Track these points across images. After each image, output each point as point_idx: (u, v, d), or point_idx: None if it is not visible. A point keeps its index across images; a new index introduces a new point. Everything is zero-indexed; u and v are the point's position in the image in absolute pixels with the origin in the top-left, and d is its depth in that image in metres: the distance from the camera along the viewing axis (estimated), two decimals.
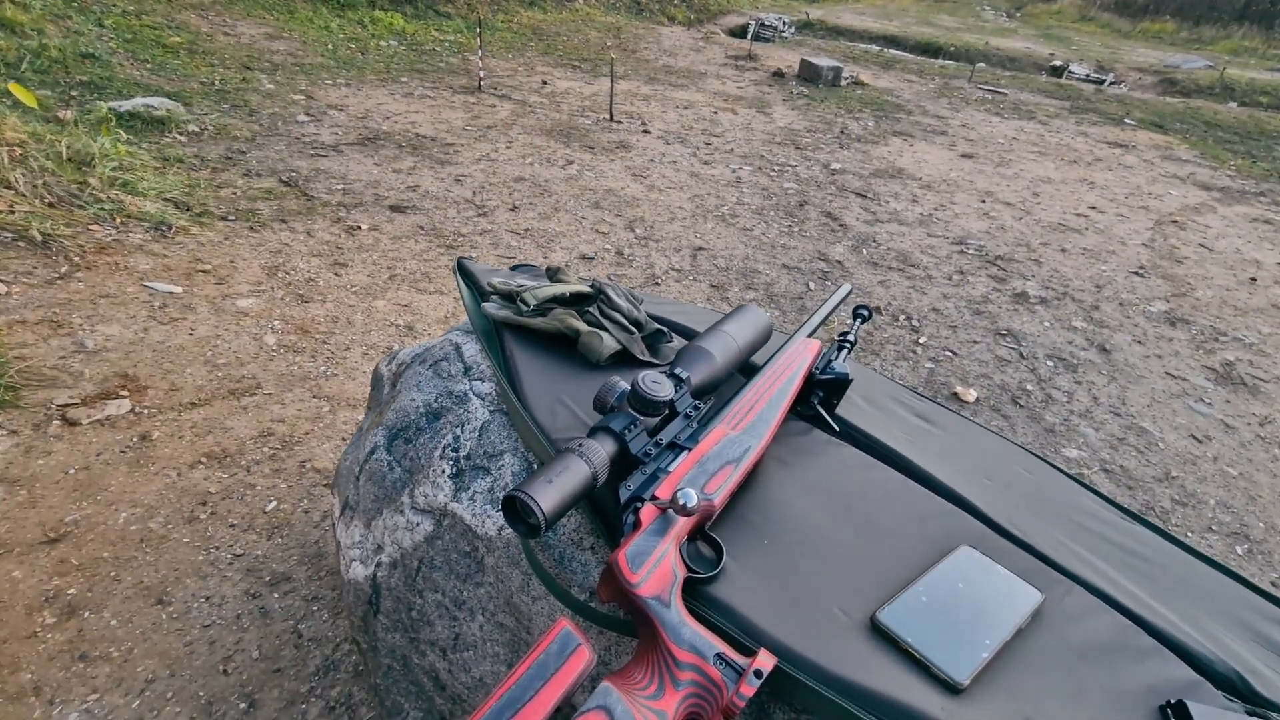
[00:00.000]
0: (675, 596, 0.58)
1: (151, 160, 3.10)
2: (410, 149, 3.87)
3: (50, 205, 2.50)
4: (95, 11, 4.72)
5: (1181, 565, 0.81)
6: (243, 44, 5.22)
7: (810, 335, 0.94)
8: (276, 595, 1.46)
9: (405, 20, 6.65)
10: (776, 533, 0.70)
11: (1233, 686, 0.64)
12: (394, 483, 0.90)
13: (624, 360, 0.95)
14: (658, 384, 0.71)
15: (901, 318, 2.88)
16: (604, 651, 0.70)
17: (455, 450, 0.87)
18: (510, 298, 1.00)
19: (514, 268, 1.29)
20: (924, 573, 0.66)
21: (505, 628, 0.79)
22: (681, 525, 0.63)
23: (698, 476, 0.68)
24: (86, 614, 1.36)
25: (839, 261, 3.30)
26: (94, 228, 2.50)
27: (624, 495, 0.67)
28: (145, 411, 1.82)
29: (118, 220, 2.58)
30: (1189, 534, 2.01)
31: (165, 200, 2.80)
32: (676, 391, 0.74)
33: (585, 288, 1.00)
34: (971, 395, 2.43)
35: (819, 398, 0.90)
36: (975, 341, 2.77)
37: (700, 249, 3.24)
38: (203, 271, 2.44)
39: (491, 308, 1.00)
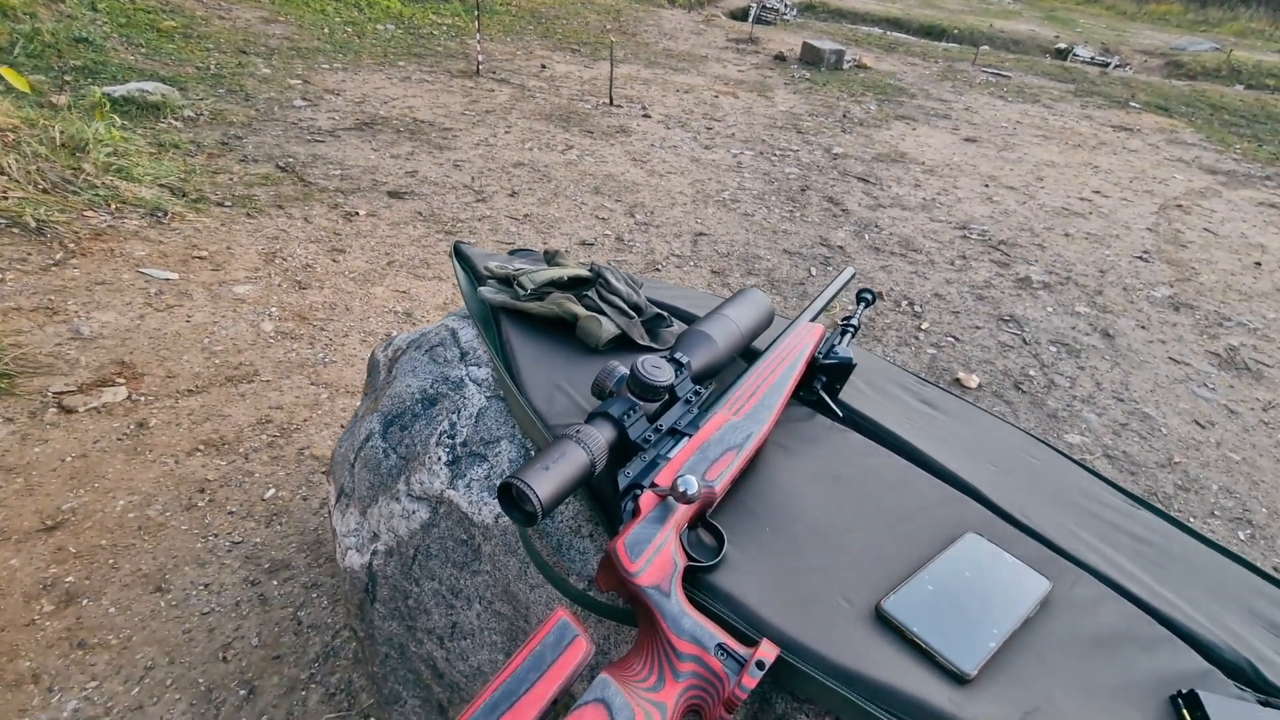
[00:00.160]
0: (675, 586, 0.57)
1: (146, 146, 3.07)
2: (408, 134, 3.83)
3: (44, 191, 2.47)
4: None
5: (1190, 552, 0.80)
6: (238, 28, 5.15)
7: (813, 319, 0.92)
8: (275, 582, 1.45)
9: (402, 3, 6.57)
10: (779, 520, 0.69)
11: (1244, 675, 0.63)
12: (389, 470, 0.88)
13: (623, 345, 0.94)
14: (657, 369, 0.69)
15: (904, 303, 2.86)
16: (602, 641, 0.69)
17: (451, 437, 0.85)
18: (507, 282, 0.98)
19: (512, 252, 1.27)
20: (930, 561, 0.65)
21: (503, 616, 0.78)
22: (682, 513, 0.62)
23: (698, 463, 0.67)
24: (85, 602, 1.35)
25: (841, 247, 3.27)
26: (89, 214, 2.48)
27: (623, 482, 0.65)
28: (142, 399, 1.81)
29: (113, 206, 2.55)
30: (1191, 519, 2.00)
31: (161, 186, 2.77)
32: (677, 376, 0.72)
33: (584, 271, 0.99)
34: (974, 381, 2.41)
35: (822, 383, 0.88)
36: (978, 327, 2.75)
37: (701, 234, 3.21)
38: (199, 258, 2.42)
39: (488, 292, 0.98)
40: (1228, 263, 3.63)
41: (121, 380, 1.85)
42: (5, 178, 2.42)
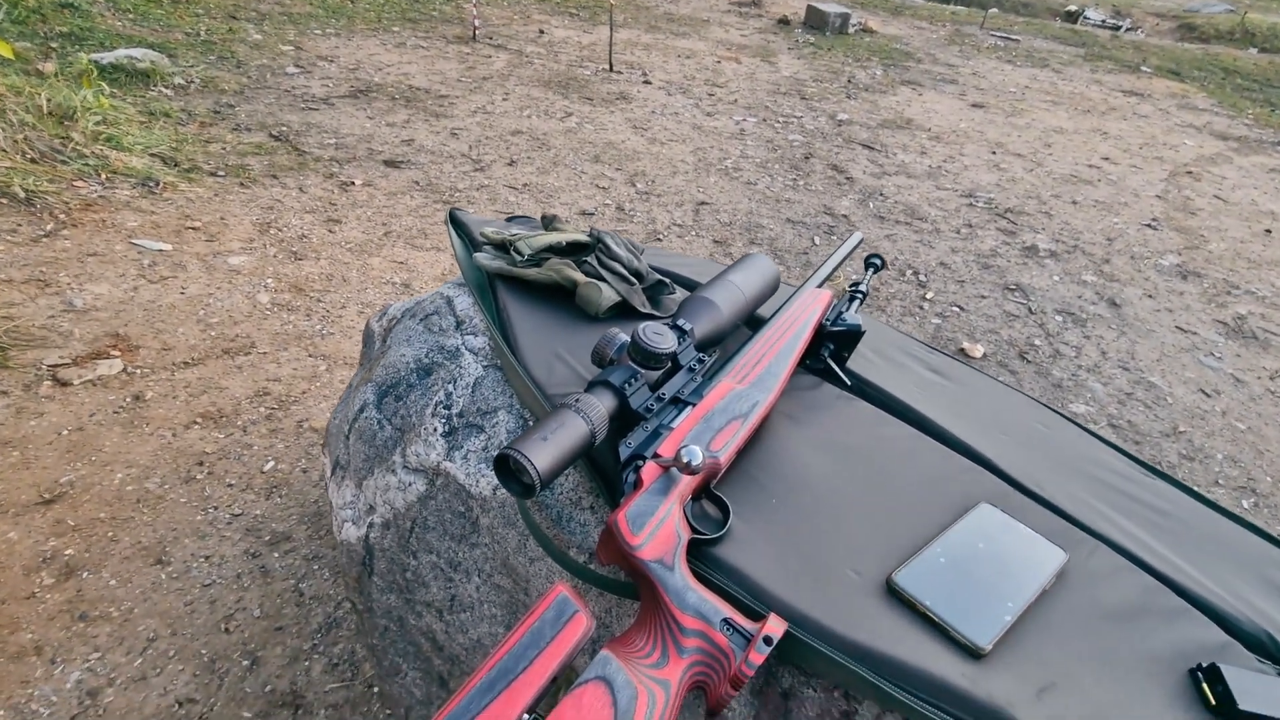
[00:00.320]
0: (679, 559, 0.55)
1: (136, 114, 3.00)
2: (404, 102, 3.75)
3: (32, 161, 2.42)
4: None
5: (1206, 521, 0.78)
6: None
7: (820, 285, 0.89)
8: (276, 554, 1.45)
9: None
10: (786, 491, 0.67)
11: (1262, 647, 0.61)
12: (385, 442, 0.86)
13: (624, 312, 0.91)
14: (659, 336, 0.66)
15: (908, 273, 2.82)
16: (604, 614, 0.68)
17: (447, 407, 0.83)
18: (504, 248, 0.95)
19: (510, 219, 1.23)
20: (942, 532, 0.63)
21: (502, 589, 0.76)
22: (685, 484, 0.60)
23: (702, 433, 0.65)
24: (85, 574, 1.35)
25: (845, 215, 3.22)
26: (78, 184, 2.43)
27: (624, 453, 0.63)
28: (138, 371, 1.79)
29: (103, 176, 2.50)
30: (1195, 488, 1.99)
31: (152, 156, 2.71)
32: (680, 344, 0.70)
33: (582, 236, 0.95)
34: (978, 351, 2.39)
35: (829, 350, 0.85)
36: (983, 296, 2.71)
37: (703, 203, 3.16)
38: (193, 229, 2.38)
39: (484, 258, 0.95)
40: (1237, 230, 3.57)
41: (116, 353, 1.82)
42: None
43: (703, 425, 0.65)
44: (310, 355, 1.95)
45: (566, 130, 3.72)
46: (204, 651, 1.27)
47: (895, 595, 0.57)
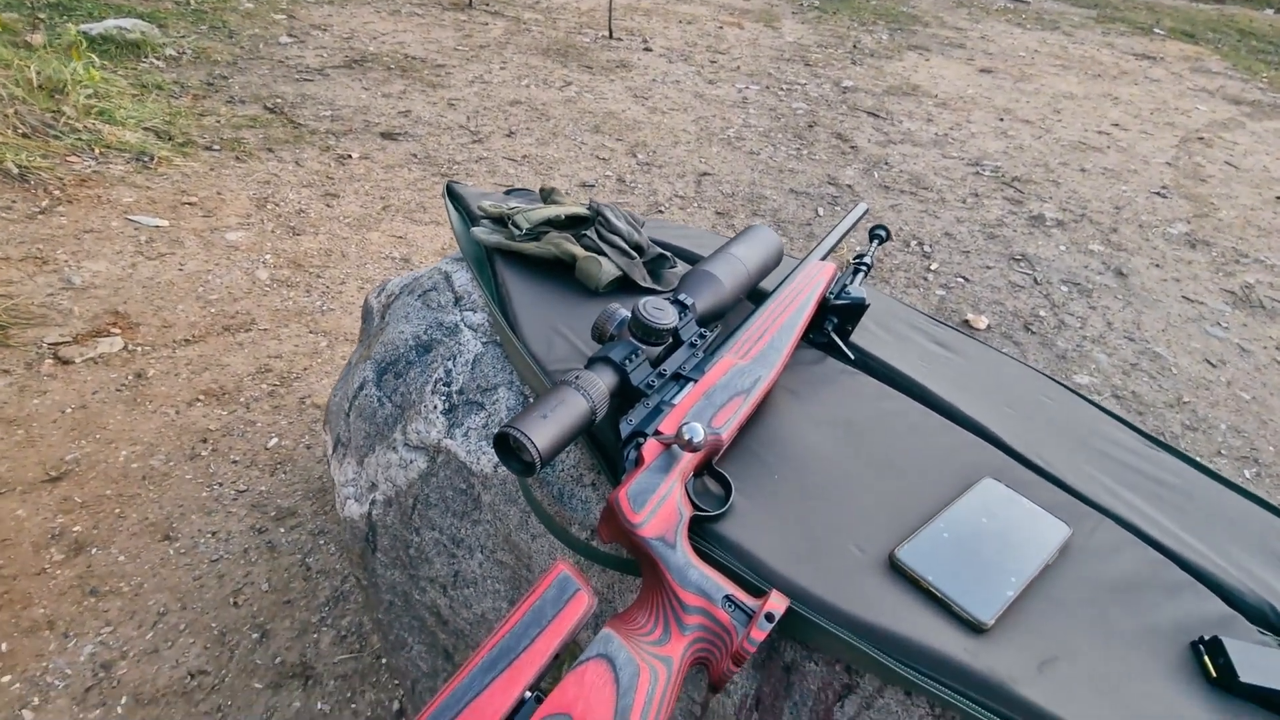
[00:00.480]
0: (681, 537, 0.55)
1: (128, 87, 2.95)
2: (400, 71, 3.68)
3: (24, 136, 2.38)
4: None
5: (1210, 493, 0.77)
6: None
7: (824, 258, 0.88)
8: (283, 530, 1.46)
9: None
10: (788, 468, 0.66)
11: (1265, 619, 0.61)
12: (385, 419, 0.86)
13: (624, 287, 0.90)
14: (660, 310, 0.65)
15: (913, 243, 2.78)
16: (606, 590, 0.68)
17: (447, 385, 0.82)
18: (502, 221, 0.93)
19: (508, 191, 1.21)
20: (945, 507, 0.63)
21: (505, 565, 0.76)
22: (687, 461, 0.59)
23: (704, 409, 0.64)
24: (94, 550, 1.36)
25: (849, 185, 3.17)
26: (72, 159, 2.40)
27: (625, 430, 0.62)
28: (139, 349, 1.79)
29: (97, 151, 2.47)
30: (1198, 459, 1.99)
31: (145, 129, 2.68)
32: (681, 319, 0.69)
33: (582, 209, 0.94)
34: (983, 322, 2.37)
35: (833, 324, 0.84)
36: (988, 267, 2.69)
37: (705, 174, 3.11)
38: (189, 204, 2.36)
39: (482, 232, 0.93)
40: (1248, 198, 3.51)
41: (117, 330, 1.82)
42: None
43: (704, 402, 0.65)
44: (311, 331, 1.95)
45: (566, 100, 3.66)
46: (214, 625, 1.29)
47: (898, 571, 0.57)
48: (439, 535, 0.81)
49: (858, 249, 2.51)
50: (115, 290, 1.94)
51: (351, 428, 0.91)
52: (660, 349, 0.67)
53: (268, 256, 2.19)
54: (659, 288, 0.92)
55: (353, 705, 1.21)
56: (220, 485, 1.52)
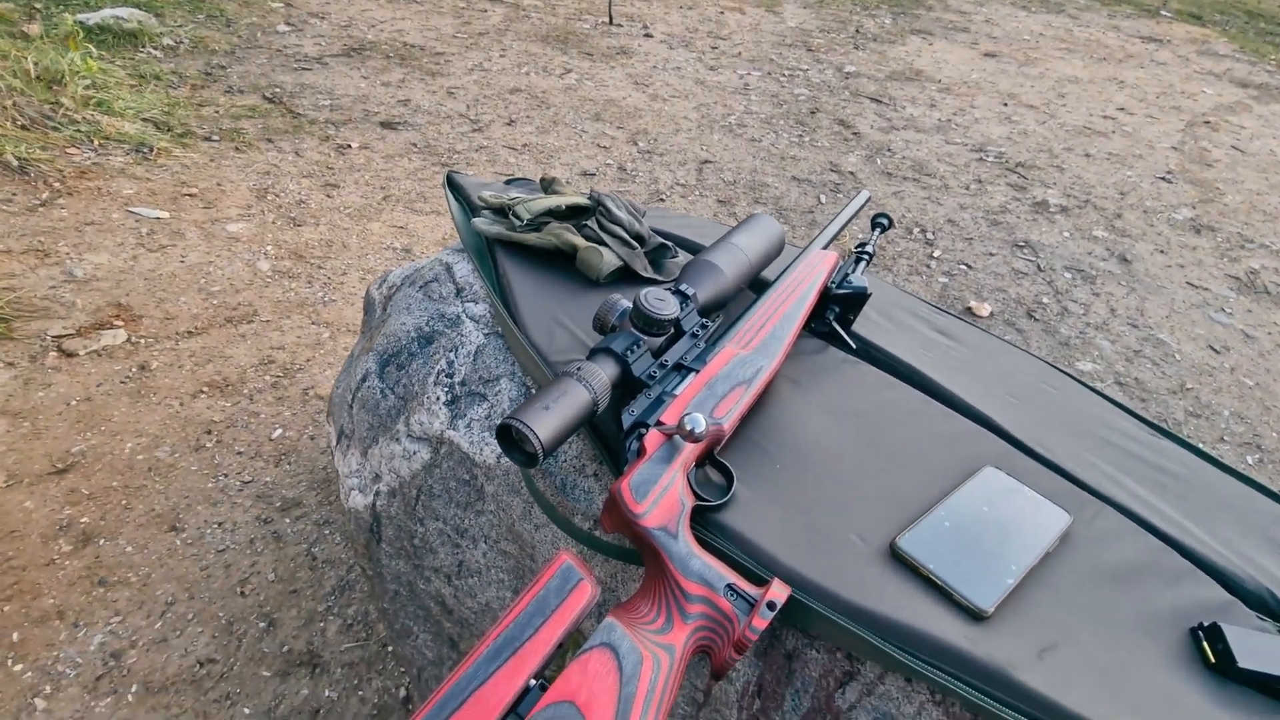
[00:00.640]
0: (683, 526, 0.55)
1: (126, 77, 2.94)
2: (399, 60, 3.65)
3: (23, 128, 2.38)
4: None
5: (1211, 480, 0.78)
6: None
7: (826, 247, 0.88)
8: (288, 520, 1.47)
9: None
10: (790, 457, 0.67)
11: (1264, 605, 0.61)
12: (388, 411, 0.86)
13: (625, 277, 0.90)
14: (662, 301, 0.65)
15: (916, 230, 2.77)
16: (609, 579, 0.68)
17: (449, 376, 0.83)
18: (502, 212, 0.93)
19: (508, 181, 1.21)
20: (946, 496, 0.63)
21: (509, 555, 0.77)
22: (689, 452, 0.60)
23: (706, 400, 0.64)
24: (102, 541, 1.37)
25: (852, 173, 3.15)
26: (71, 151, 2.39)
27: (627, 421, 0.63)
28: (142, 341, 1.79)
29: (96, 142, 2.46)
30: (1200, 445, 1.99)
31: (144, 120, 2.67)
32: (682, 309, 0.69)
33: (582, 200, 0.93)
34: (985, 310, 2.36)
35: (835, 313, 0.84)
36: (991, 254, 2.67)
37: (706, 162, 3.10)
38: (189, 195, 2.35)
39: (482, 223, 0.93)
40: (1254, 182, 3.49)
41: (120, 322, 1.82)
42: None
43: (706, 392, 0.65)
44: (313, 323, 1.95)
45: (566, 87, 3.64)
46: (222, 614, 1.30)
47: (899, 559, 0.58)
48: (443, 525, 0.81)
49: (860, 237, 2.50)
50: (117, 282, 1.94)
51: (355, 419, 0.92)
52: (662, 339, 0.67)
53: (269, 248, 2.19)
54: (660, 278, 0.92)
55: (360, 692, 1.22)
56: (225, 476, 1.53)
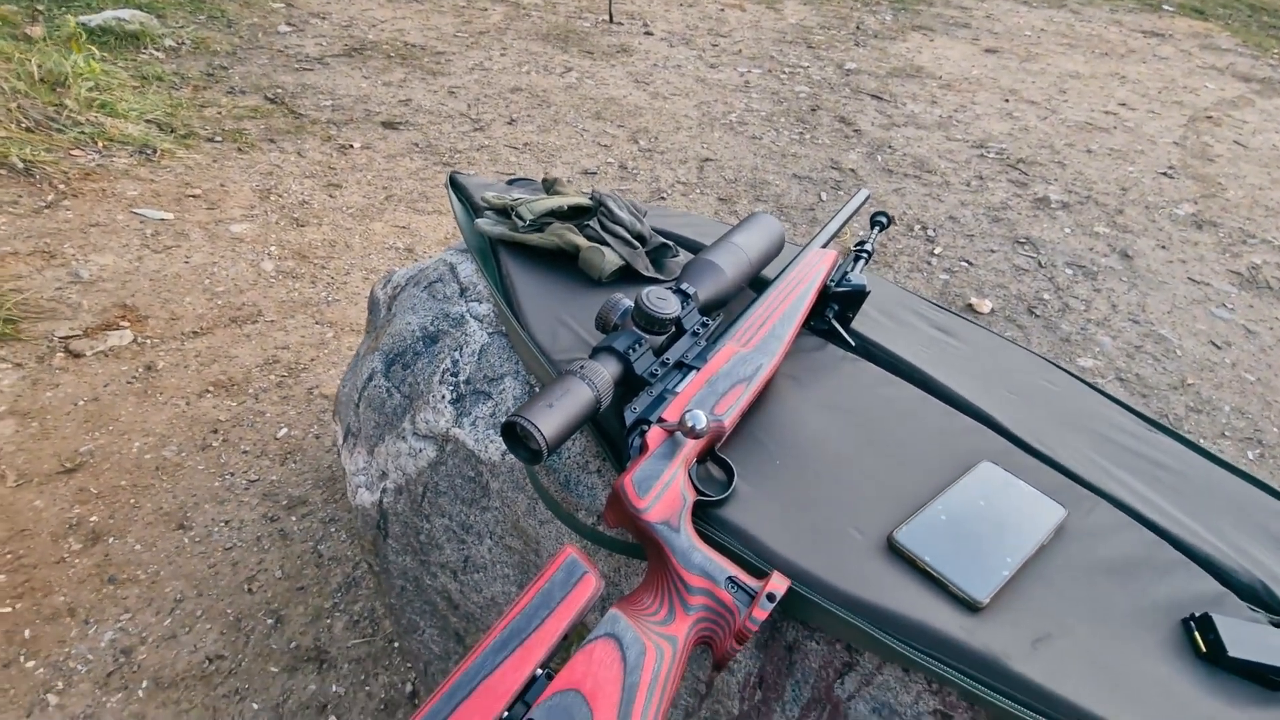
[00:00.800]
0: (684, 521, 0.56)
1: (129, 79, 2.95)
2: (400, 59, 3.67)
3: (28, 130, 2.39)
4: None
5: (1206, 475, 0.79)
6: None
7: (825, 245, 0.89)
8: (294, 518, 1.48)
9: None
10: (790, 453, 0.68)
11: (1256, 596, 0.62)
12: (394, 409, 0.88)
13: (627, 276, 0.91)
14: (663, 300, 0.66)
15: (916, 227, 2.78)
16: (612, 573, 0.70)
17: (454, 375, 0.84)
18: (505, 212, 0.94)
19: (510, 181, 1.22)
20: (943, 490, 0.64)
21: (514, 550, 0.78)
22: (690, 448, 0.61)
23: (707, 397, 0.65)
24: (111, 540, 1.39)
25: (852, 170, 3.16)
26: (76, 152, 2.41)
27: (629, 418, 0.64)
28: (148, 342, 1.81)
29: (100, 144, 2.47)
30: (1201, 440, 1.99)
31: (147, 122, 2.68)
32: (683, 308, 0.70)
33: (584, 200, 0.94)
34: (986, 306, 2.37)
35: (834, 311, 0.85)
36: (992, 250, 2.68)
37: (707, 160, 3.11)
38: (193, 196, 2.37)
39: (485, 224, 0.94)
40: (1256, 177, 3.48)
41: (125, 323, 1.84)
42: None
43: (707, 389, 0.66)
44: (317, 322, 1.96)
45: (567, 86, 3.64)
46: (229, 611, 1.31)
47: (896, 552, 0.59)
48: (449, 522, 0.83)
49: (860, 234, 2.51)
50: (123, 283, 1.96)
51: (361, 418, 0.93)
52: (663, 338, 0.68)
53: (273, 248, 2.20)
54: (662, 277, 0.93)
55: (367, 687, 1.24)
56: (232, 475, 1.54)
